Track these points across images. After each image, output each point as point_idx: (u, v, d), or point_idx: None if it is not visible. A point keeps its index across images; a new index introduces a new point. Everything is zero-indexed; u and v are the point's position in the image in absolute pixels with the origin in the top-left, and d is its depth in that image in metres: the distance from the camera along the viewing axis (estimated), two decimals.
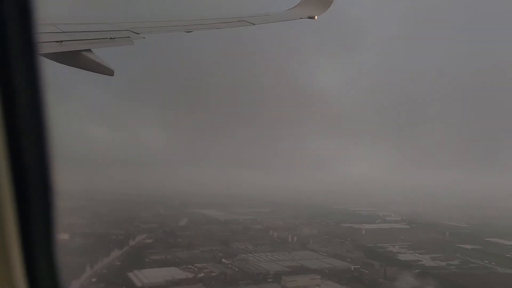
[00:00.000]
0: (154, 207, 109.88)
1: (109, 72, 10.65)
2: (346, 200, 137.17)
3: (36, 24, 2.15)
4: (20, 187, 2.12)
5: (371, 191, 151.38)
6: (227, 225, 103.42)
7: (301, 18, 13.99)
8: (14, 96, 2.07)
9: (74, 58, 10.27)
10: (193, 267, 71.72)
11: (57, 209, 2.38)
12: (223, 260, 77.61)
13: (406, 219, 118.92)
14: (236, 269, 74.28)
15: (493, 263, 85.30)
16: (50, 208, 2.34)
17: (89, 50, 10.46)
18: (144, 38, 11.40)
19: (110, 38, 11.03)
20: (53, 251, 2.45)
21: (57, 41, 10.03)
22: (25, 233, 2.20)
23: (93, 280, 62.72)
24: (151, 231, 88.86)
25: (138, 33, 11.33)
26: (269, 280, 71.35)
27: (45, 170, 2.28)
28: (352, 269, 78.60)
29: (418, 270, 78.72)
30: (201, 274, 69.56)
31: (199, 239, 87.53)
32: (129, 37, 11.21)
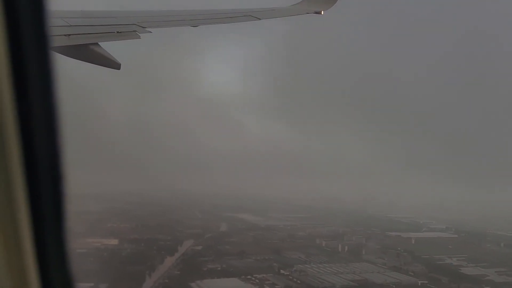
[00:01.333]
0: (189, 209, 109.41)
1: (116, 65, 10.94)
2: (378, 204, 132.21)
3: (49, 17, 2.20)
4: (31, 183, 2.17)
5: (400, 195, 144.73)
6: (269, 231, 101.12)
7: (308, 13, 13.98)
8: (27, 92, 2.11)
9: (81, 52, 10.54)
10: (253, 278, 70.42)
11: (68, 207, 2.41)
12: (281, 271, 75.94)
13: (452, 227, 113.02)
14: (298, 281, 72.29)
15: None
16: (61, 206, 2.38)
17: (96, 44, 10.78)
18: (151, 32, 11.68)
19: (117, 32, 11.31)
20: (66, 248, 2.50)
21: (64, 35, 10.30)
22: (37, 231, 2.25)
23: None
24: (197, 237, 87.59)
25: (144, 27, 11.58)
26: None
27: (57, 167, 2.33)
28: (420, 284, 75.34)
29: (488, 287, 74.84)
30: (266, 287, 67.81)
31: (248, 247, 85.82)
32: (135, 31, 11.46)
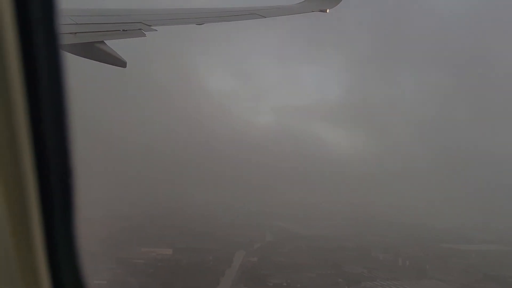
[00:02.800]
0: (224, 216, 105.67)
1: (121, 64, 11.03)
2: (411, 212, 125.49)
3: (59, 16, 2.23)
4: (42, 180, 2.20)
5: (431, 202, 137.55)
6: (318, 242, 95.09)
7: (313, 11, 14.03)
8: (38, 89, 2.14)
9: (87, 50, 10.63)
10: None
11: (77, 206, 2.44)
12: None
13: (500, 239, 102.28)
14: None
15: None
16: (71, 204, 2.41)
17: (102, 42, 10.86)
18: (156, 30, 11.74)
19: (123, 30, 11.38)
20: (75, 246, 2.52)
21: (71, 33, 10.38)
22: (47, 229, 2.29)
23: None
24: (246, 247, 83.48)
25: (150, 25, 11.64)
26: None
27: (67, 164, 2.36)
28: None
29: None
30: None
31: (303, 259, 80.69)
32: (141, 29, 11.53)
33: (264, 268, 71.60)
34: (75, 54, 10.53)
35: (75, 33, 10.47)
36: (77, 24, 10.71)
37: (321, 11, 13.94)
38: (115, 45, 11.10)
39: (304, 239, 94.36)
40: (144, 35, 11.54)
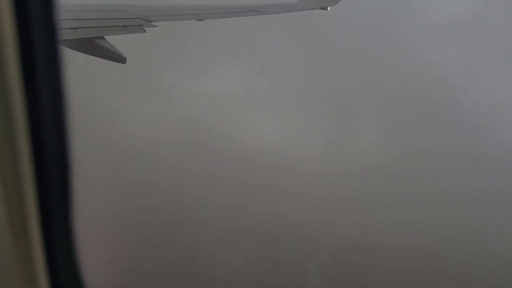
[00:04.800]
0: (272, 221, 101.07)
1: (121, 59, 11.00)
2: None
3: (58, 10, 2.22)
4: (39, 176, 2.19)
5: None
6: (378, 252, 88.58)
7: (314, 9, 13.98)
8: (36, 85, 2.14)
9: (87, 46, 10.60)
10: None
11: (75, 205, 2.42)
12: None
13: None
14: None
15: None
16: (69, 200, 2.40)
17: (102, 38, 10.83)
18: (157, 26, 11.71)
19: (123, 26, 11.35)
20: (73, 242, 2.52)
21: (70, 28, 10.33)
22: (45, 225, 2.27)
23: None
24: (317, 257, 77.95)
25: (150, 21, 11.61)
26: None
27: (65, 161, 2.35)
28: None
29: None
30: None
31: (386, 273, 74.89)
32: (141, 25, 11.50)
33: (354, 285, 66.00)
34: (75, 50, 10.48)
35: (75, 28, 10.40)
36: (76, 19, 10.66)
37: (322, 9, 13.91)
38: (115, 40, 11.10)
39: (366, 249, 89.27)
40: (145, 31, 11.53)
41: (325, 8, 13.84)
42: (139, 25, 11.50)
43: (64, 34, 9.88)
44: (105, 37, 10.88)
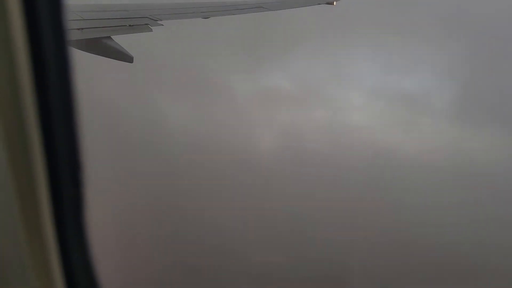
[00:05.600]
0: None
1: (128, 59, 11.06)
2: None
3: (66, 11, 2.24)
4: (52, 175, 2.21)
5: None
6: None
7: (319, 4, 13.94)
8: (46, 86, 2.15)
9: (94, 46, 10.65)
10: None
11: (87, 202, 2.43)
12: None
13: None
14: None
15: None
16: (81, 199, 2.42)
17: (109, 37, 10.88)
18: (162, 25, 11.76)
19: (129, 26, 11.41)
20: (86, 240, 2.53)
21: (77, 28, 10.39)
22: (58, 225, 2.30)
23: None
24: (356, 269, 74.06)
25: (156, 20, 11.66)
26: None
27: (76, 160, 2.37)
28: None
29: None
30: None
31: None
32: (147, 24, 11.55)
33: None
34: (82, 50, 10.53)
35: (82, 29, 10.46)
36: (83, 19, 10.70)
37: (328, 3, 13.85)
38: (122, 40, 11.16)
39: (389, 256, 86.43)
40: (151, 30, 11.58)
41: (331, 3, 13.80)
42: (145, 24, 11.56)
43: (71, 34, 9.91)
44: (112, 36, 10.94)
